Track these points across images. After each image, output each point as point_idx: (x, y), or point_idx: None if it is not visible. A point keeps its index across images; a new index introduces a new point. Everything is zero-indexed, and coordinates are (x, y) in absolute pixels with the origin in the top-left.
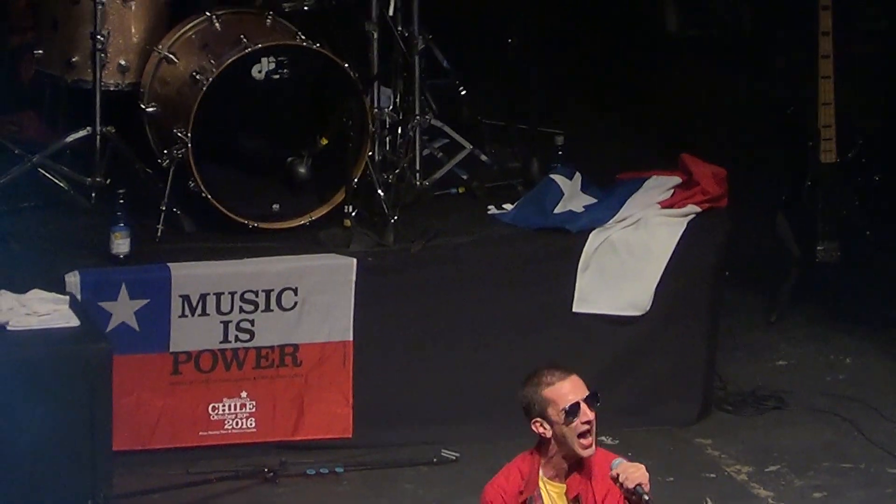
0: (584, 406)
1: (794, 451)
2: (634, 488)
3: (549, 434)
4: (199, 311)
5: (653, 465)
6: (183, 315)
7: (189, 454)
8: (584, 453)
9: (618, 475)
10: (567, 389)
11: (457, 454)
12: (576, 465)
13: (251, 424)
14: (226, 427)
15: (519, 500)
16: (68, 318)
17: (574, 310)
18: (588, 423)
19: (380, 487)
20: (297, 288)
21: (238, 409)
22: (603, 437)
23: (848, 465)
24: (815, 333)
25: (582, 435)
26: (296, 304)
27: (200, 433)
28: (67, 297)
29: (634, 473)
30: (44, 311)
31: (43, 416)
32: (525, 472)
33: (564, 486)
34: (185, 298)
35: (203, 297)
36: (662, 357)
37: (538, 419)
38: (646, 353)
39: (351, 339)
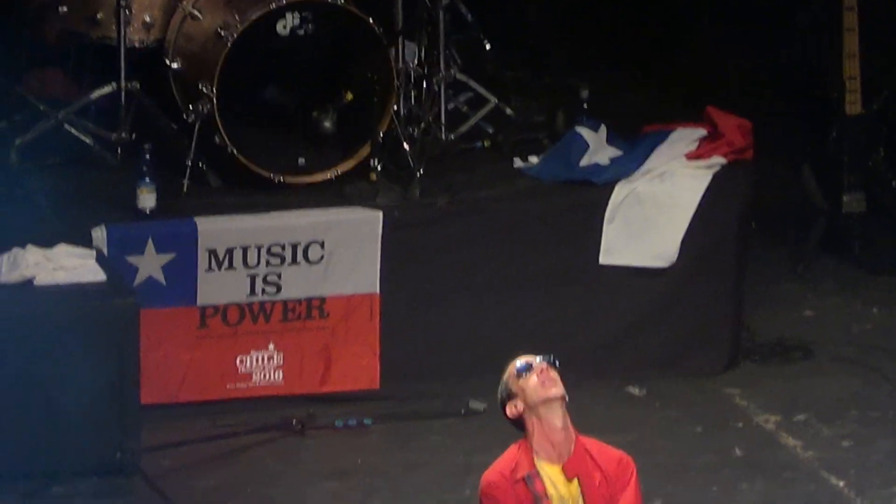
0: (536, 364)
1: (822, 400)
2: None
3: (520, 408)
4: (225, 264)
5: (680, 415)
6: (210, 269)
7: (216, 407)
8: (550, 393)
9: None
10: (521, 361)
11: (484, 405)
12: (564, 445)
13: (278, 377)
14: (253, 380)
15: (517, 478)
16: (95, 272)
17: (601, 262)
18: (542, 372)
19: (407, 439)
20: (323, 241)
21: (265, 362)
22: (631, 388)
23: (876, 414)
24: (841, 284)
25: (541, 384)
26: (322, 257)
27: (228, 386)
28: (94, 252)
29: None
30: (71, 265)
31: (70, 370)
32: (517, 454)
33: (560, 468)
34: (212, 252)
35: (230, 250)
36: (689, 308)
37: (507, 403)
38: (673, 304)
39: (378, 291)
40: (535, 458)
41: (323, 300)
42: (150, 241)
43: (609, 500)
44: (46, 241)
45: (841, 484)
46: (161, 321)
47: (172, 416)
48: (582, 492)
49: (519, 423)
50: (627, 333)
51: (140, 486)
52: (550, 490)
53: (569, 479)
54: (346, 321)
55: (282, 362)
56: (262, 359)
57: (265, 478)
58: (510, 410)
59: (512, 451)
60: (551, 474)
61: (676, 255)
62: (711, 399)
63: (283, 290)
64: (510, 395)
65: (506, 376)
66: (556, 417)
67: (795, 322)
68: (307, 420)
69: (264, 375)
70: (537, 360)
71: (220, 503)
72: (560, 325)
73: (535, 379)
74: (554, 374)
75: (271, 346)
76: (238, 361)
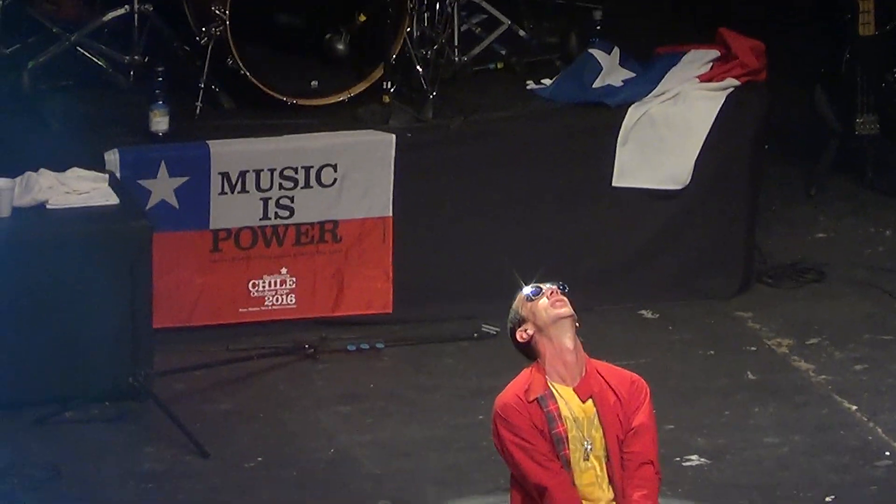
0: (545, 287)
1: (835, 323)
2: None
3: (531, 332)
4: (238, 188)
5: (693, 339)
6: (223, 192)
7: (229, 331)
8: (561, 312)
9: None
10: (529, 288)
11: (497, 329)
12: (576, 367)
13: (291, 301)
14: (266, 304)
15: (531, 399)
16: (108, 195)
17: (614, 184)
18: (552, 293)
19: (420, 362)
20: (336, 164)
21: (278, 286)
22: (643, 311)
23: (888, 338)
24: (854, 206)
25: (551, 304)
26: (335, 180)
27: (240, 310)
28: (107, 175)
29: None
30: (83, 189)
31: (83, 294)
32: (528, 377)
33: (573, 391)
34: (225, 175)
35: (242, 174)
36: (702, 231)
37: (517, 329)
38: (686, 226)
39: (390, 214)
40: (549, 381)
41: (336, 224)
42: (162, 164)
43: (624, 420)
44: (59, 165)
45: (853, 408)
46: (174, 245)
47: (185, 340)
48: (597, 411)
49: (529, 351)
50: (640, 256)
51: (152, 410)
52: (564, 411)
53: (583, 401)
54: (359, 245)
55: (294, 286)
56: (275, 283)
57: (277, 402)
58: (520, 336)
59: (525, 374)
60: (565, 396)
61: (689, 178)
62: (724, 322)
63: (295, 213)
64: (520, 321)
65: (515, 303)
66: (567, 338)
67: (808, 245)
68: (319, 344)
69: (277, 299)
70: (546, 285)
71: (232, 427)
72: (572, 247)
73: (545, 300)
74: (563, 297)
75: (284, 270)
76: (251, 285)
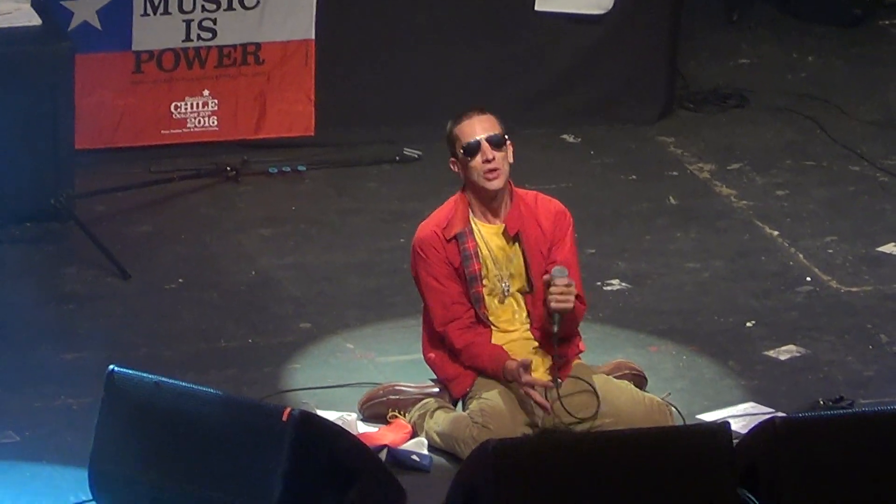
0: (485, 145)
1: (757, 149)
2: (552, 312)
3: (460, 171)
4: (161, 9)
5: (615, 163)
6: (145, 14)
7: (151, 153)
8: (489, 185)
9: (550, 285)
10: (474, 128)
11: (419, 153)
12: (500, 204)
13: (213, 123)
14: (188, 125)
15: (449, 236)
16: (30, 16)
17: (536, 8)
18: (487, 161)
19: (342, 185)
20: None
21: (200, 108)
22: (566, 136)
23: (810, 163)
24: (776, 32)
25: (486, 172)
26: (258, 2)
27: (163, 132)
28: None
29: (562, 301)
30: (5, 9)
31: (4, 115)
32: (452, 209)
33: (501, 225)
34: None
35: None
36: (625, 56)
37: (452, 158)
38: (608, 52)
39: (313, 37)
40: (471, 216)
41: (258, 46)
42: None
43: (546, 253)
44: None
45: (775, 233)
46: (96, 66)
47: (107, 161)
48: (521, 248)
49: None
50: (562, 81)
51: (74, 231)
52: (483, 250)
53: (509, 237)
54: (282, 67)
55: (216, 108)
56: (197, 105)
57: (199, 224)
58: (452, 166)
59: (448, 207)
60: (485, 233)
61: (612, 3)
62: (646, 147)
63: (218, 35)
64: (454, 154)
65: (454, 126)
66: (495, 191)
67: (730, 70)
68: (241, 166)
69: (199, 121)
70: (485, 136)
71: (154, 248)
72: (495, 73)
73: (478, 164)
74: (498, 163)
75: (206, 93)
76: (173, 107)
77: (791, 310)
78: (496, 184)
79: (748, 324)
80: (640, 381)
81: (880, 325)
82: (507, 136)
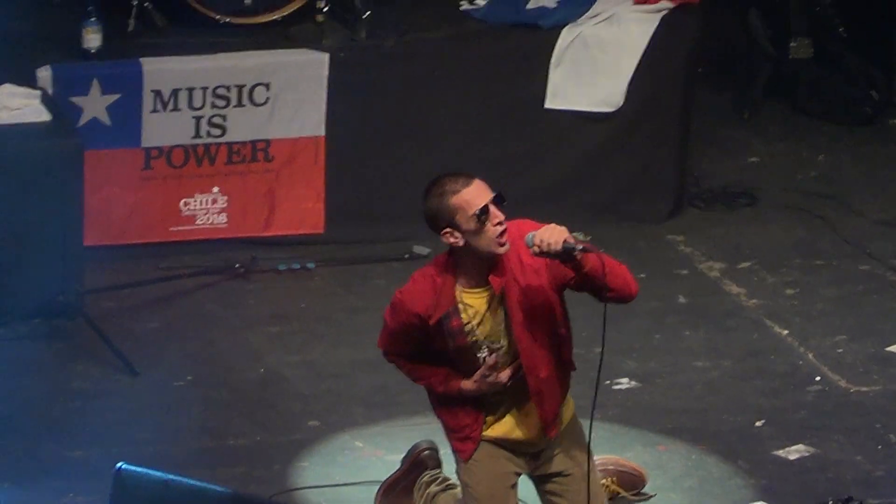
0: (493, 208)
1: (766, 248)
2: (563, 247)
3: (461, 242)
4: (171, 106)
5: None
6: (155, 110)
7: (160, 249)
8: (502, 250)
9: (539, 246)
10: (473, 194)
11: (428, 250)
12: (491, 267)
13: (222, 220)
14: (197, 222)
15: (433, 321)
16: (40, 112)
17: (546, 106)
18: (500, 223)
19: (351, 283)
20: (269, 83)
21: (210, 205)
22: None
23: (820, 262)
24: (787, 130)
25: (498, 235)
26: (268, 99)
27: (171, 228)
28: (39, 92)
29: (554, 235)
30: (15, 105)
31: (13, 211)
32: (439, 284)
33: (485, 291)
34: (157, 93)
35: (175, 91)
36: (635, 153)
37: (447, 229)
38: (618, 149)
39: (323, 134)
40: (457, 286)
41: (268, 143)
42: (95, 81)
43: (524, 292)
44: None
45: (784, 332)
46: (105, 162)
47: (115, 258)
48: (504, 309)
49: (450, 247)
50: (572, 179)
51: (82, 328)
52: (471, 323)
53: (496, 297)
54: (291, 164)
55: (226, 205)
56: (207, 201)
57: (207, 321)
58: (447, 238)
59: (431, 283)
60: (470, 301)
61: (622, 101)
62: (655, 246)
63: (227, 132)
64: (452, 225)
65: (447, 199)
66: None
67: (740, 168)
68: (250, 263)
69: (208, 218)
70: (489, 199)
71: (163, 345)
72: (504, 169)
73: (491, 228)
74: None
75: (216, 189)
76: (182, 204)
77: (800, 409)
78: (508, 246)
79: (757, 423)
80: (630, 478)
81: (889, 425)
82: (502, 193)
